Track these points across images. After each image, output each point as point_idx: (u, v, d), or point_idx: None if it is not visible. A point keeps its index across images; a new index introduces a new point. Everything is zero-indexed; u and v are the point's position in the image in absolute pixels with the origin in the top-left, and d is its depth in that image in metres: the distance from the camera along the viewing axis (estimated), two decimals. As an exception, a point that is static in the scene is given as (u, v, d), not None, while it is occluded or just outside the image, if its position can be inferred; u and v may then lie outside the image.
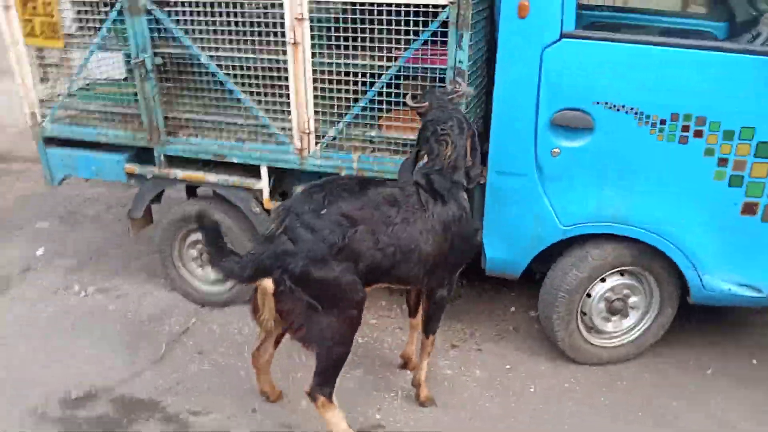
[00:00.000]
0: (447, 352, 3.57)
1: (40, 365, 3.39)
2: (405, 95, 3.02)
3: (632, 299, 3.33)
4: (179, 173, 3.68)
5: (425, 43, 2.97)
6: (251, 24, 3.20)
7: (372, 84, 3.14)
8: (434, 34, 2.93)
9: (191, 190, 4.23)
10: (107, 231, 5.03)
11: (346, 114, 3.24)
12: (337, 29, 3.06)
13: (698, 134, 2.82)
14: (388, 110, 3.21)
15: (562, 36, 2.85)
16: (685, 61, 2.76)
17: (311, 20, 3.07)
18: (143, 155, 3.76)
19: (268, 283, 2.45)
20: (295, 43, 3.11)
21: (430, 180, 2.70)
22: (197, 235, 3.85)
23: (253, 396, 3.14)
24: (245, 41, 3.27)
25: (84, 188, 5.59)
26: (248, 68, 3.30)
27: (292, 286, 2.41)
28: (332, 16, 3.07)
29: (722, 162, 2.85)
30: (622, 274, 3.27)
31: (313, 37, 3.11)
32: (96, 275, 4.34)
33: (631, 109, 2.86)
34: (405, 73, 3.07)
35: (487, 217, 3.27)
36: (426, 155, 2.76)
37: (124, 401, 3.14)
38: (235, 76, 3.35)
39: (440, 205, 2.68)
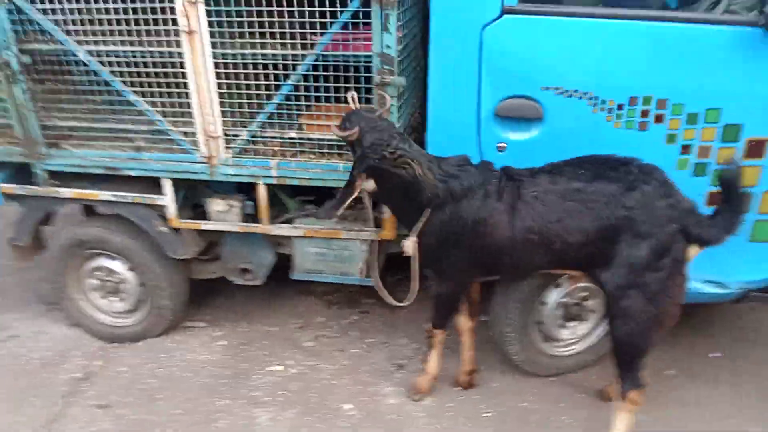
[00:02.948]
0: (392, 374, 3.17)
1: None
2: (327, 89, 2.59)
3: (589, 302, 3.01)
4: (66, 192, 3.10)
5: (346, 26, 2.52)
6: (136, 11, 2.65)
7: (287, 77, 2.66)
8: (356, 15, 2.49)
9: (90, 207, 3.64)
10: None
11: (259, 113, 2.76)
12: (240, 13, 2.57)
13: (659, 119, 2.51)
14: (309, 106, 2.76)
15: (504, 12, 2.46)
16: (642, 35, 2.43)
17: (207, 3, 2.56)
18: (26, 172, 3.16)
19: None
20: (190, 32, 2.60)
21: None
22: (98, 261, 3.30)
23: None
24: (131, 32, 2.73)
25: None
26: (138, 64, 2.76)
27: None
28: (232, -2, 2.57)
29: (685, 149, 2.54)
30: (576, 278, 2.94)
31: (212, 24, 2.60)
32: (-18, 313, 3.70)
33: (585, 94, 2.51)
34: (325, 62, 2.62)
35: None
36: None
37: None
38: (123, 74, 2.80)
39: None
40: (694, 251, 2.29)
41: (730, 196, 2.22)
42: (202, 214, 3.27)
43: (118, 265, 3.32)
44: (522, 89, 2.54)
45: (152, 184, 3.09)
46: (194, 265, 3.41)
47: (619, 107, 2.51)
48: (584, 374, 3.13)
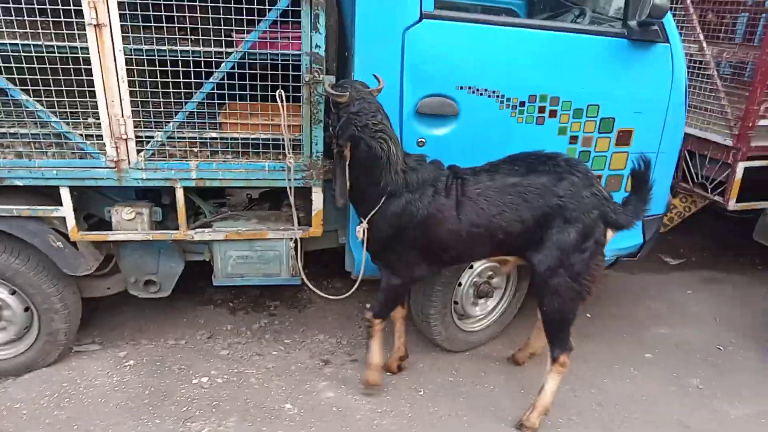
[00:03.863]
0: (321, 370, 3.20)
1: None
2: (252, 88, 2.57)
3: (495, 280, 3.35)
4: (-73, 208, 2.64)
5: (272, 24, 2.52)
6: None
7: (208, 75, 2.57)
8: (284, 14, 2.50)
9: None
10: None
11: (177, 112, 2.62)
12: (157, 6, 2.42)
13: (553, 114, 2.90)
14: (228, 105, 2.69)
15: (423, 16, 2.65)
16: (537, 41, 2.79)
17: (119, -5, 2.39)
18: None
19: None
20: (98, 25, 2.39)
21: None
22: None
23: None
24: (23, 23, 2.42)
25: None
26: (31, 60, 2.45)
27: None
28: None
29: (573, 139, 2.97)
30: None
31: (123, 17, 2.42)
32: None
33: (494, 92, 2.80)
34: (250, 61, 2.58)
35: (353, 220, 2.96)
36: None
37: None
38: (10, 69, 2.47)
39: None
40: (610, 234, 2.66)
41: (640, 188, 2.61)
42: (94, 226, 3.01)
43: (-7, 290, 2.90)
44: (440, 88, 2.76)
45: (36, 194, 2.77)
46: (86, 282, 3.10)
47: (521, 104, 2.85)
48: (492, 346, 3.47)
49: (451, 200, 2.55)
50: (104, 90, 2.50)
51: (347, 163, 2.47)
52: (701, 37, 3.97)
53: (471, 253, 2.73)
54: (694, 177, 4.20)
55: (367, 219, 2.59)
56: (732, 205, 3.94)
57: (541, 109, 2.88)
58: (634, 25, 2.79)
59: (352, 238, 3.01)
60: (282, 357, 3.30)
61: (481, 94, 2.80)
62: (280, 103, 2.58)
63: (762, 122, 3.76)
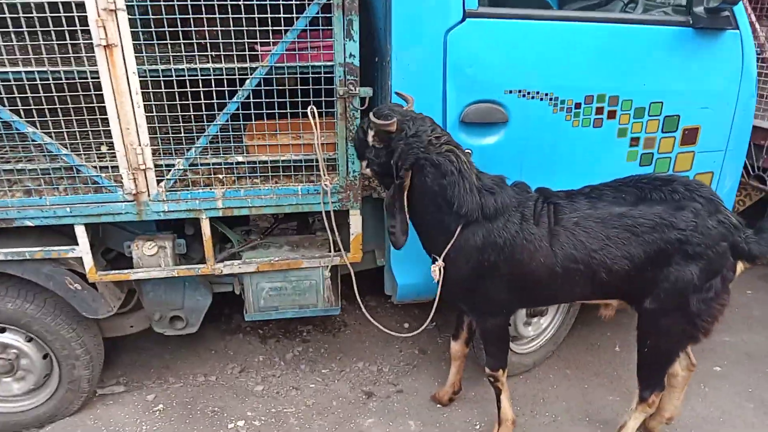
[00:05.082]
0: (365, 404, 2.95)
1: None
2: (281, 105, 2.31)
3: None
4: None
5: (300, 34, 2.25)
6: (31, 22, 2.11)
7: (232, 94, 2.31)
8: (313, 22, 2.23)
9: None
10: None
11: (199, 137, 2.36)
12: (172, 22, 2.16)
13: (611, 115, 2.61)
14: (250, 125, 2.44)
15: (466, 15, 2.38)
16: (592, 36, 2.50)
17: (130, 10, 2.12)
18: None
19: None
20: (108, 46, 2.13)
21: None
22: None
23: None
24: (26, 48, 2.17)
25: None
26: (36, 88, 2.20)
27: None
28: (162, 3, 2.15)
29: (634, 141, 2.69)
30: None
31: (136, 35, 2.16)
32: None
33: (546, 95, 2.53)
34: (277, 75, 2.32)
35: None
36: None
37: None
38: (12, 100, 2.22)
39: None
40: (741, 267, 2.28)
41: None
42: (113, 261, 2.77)
43: (10, 337, 2.66)
44: (487, 93, 2.49)
45: (51, 233, 2.53)
46: (107, 322, 2.86)
47: (577, 106, 2.57)
48: (548, 367, 3.21)
49: (542, 229, 2.19)
50: (118, 117, 2.25)
51: (405, 194, 2.15)
52: (753, 17, 3.66)
53: (568, 293, 2.35)
54: (749, 169, 3.89)
55: (442, 256, 2.25)
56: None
57: (599, 111, 2.59)
58: (701, 11, 2.49)
59: (393, 260, 2.75)
60: (321, 390, 3.05)
61: (533, 98, 2.52)
62: (312, 121, 2.32)
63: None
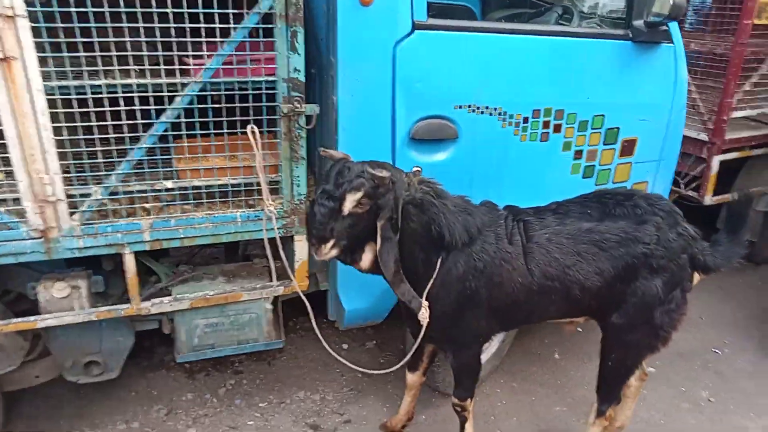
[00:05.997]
0: (311, 438, 2.77)
1: None
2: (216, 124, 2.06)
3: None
4: None
5: (239, 46, 2.02)
6: None
7: (160, 112, 2.03)
8: (252, 34, 2.01)
9: None
10: None
11: (120, 162, 2.06)
12: (86, 31, 1.85)
13: (557, 129, 2.59)
14: (181, 146, 2.17)
15: (415, 27, 2.24)
16: (539, 49, 2.46)
17: (33, 18, 1.79)
18: None
19: None
20: (5, 59, 1.79)
21: None
22: None
23: None
24: None
25: None
26: None
27: None
28: (74, 9, 1.82)
29: (578, 154, 2.69)
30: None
31: (41, 47, 1.83)
32: None
33: (495, 109, 2.46)
34: (212, 92, 2.07)
35: (340, 266, 2.52)
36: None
37: None
38: None
39: None
40: (697, 278, 2.31)
41: (735, 227, 2.28)
42: (12, 302, 2.39)
43: None
44: (437, 109, 2.37)
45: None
46: (7, 375, 2.46)
47: (525, 120, 2.52)
48: (494, 382, 3.18)
49: (516, 247, 2.12)
50: (20, 141, 1.90)
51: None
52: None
53: (543, 311, 2.28)
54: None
55: (424, 295, 2.07)
56: (708, 200, 3.86)
57: (546, 124, 2.57)
58: (641, 25, 2.52)
59: (340, 285, 2.58)
60: (261, 427, 2.82)
61: (482, 113, 2.44)
62: (253, 141, 2.09)
63: (735, 114, 3.68)
